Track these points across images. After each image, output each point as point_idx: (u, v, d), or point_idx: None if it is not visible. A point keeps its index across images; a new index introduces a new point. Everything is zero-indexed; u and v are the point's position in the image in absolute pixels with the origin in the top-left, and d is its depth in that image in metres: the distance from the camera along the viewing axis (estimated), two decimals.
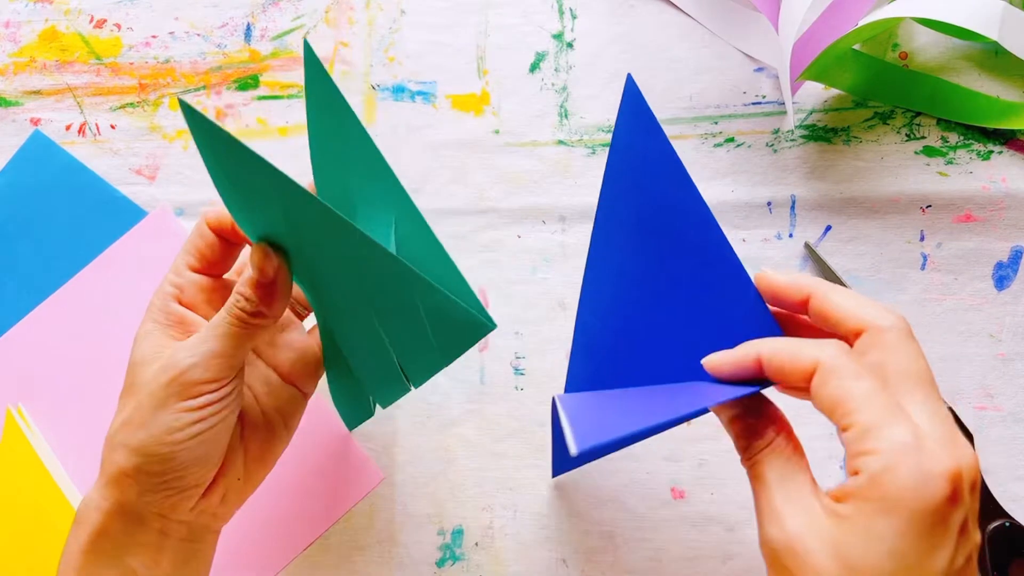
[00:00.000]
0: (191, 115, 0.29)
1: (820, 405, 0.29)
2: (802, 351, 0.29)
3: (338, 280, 0.36)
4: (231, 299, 0.35)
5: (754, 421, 0.31)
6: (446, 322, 0.36)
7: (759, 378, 0.32)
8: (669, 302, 0.37)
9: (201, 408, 0.35)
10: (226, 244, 0.38)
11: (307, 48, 0.35)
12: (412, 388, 0.41)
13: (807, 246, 0.48)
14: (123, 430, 0.35)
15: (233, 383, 0.36)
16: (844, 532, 0.27)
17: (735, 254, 0.35)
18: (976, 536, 0.28)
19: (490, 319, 0.37)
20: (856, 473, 0.27)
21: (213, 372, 0.35)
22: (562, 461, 0.44)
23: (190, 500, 0.36)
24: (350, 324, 0.38)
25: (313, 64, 0.36)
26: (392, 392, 0.41)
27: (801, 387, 0.30)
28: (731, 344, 0.33)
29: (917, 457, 0.26)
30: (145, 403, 0.35)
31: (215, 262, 0.38)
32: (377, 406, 0.45)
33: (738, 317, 0.36)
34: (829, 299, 0.31)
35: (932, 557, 0.26)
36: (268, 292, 0.35)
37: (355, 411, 0.44)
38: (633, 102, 0.35)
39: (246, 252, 0.40)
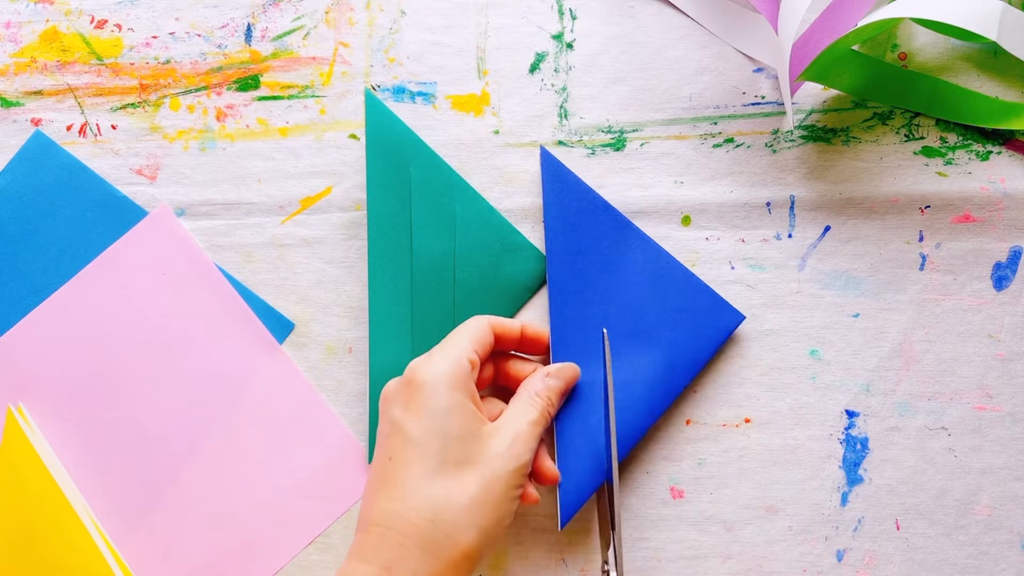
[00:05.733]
0: (371, 101, 0.48)
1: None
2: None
3: (434, 234, 0.47)
4: (543, 402, 0.42)
5: None
6: (516, 257, 0.48)
7: None
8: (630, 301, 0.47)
9: (520, 495, 0.40)
10: (494, 351, 0.44)
11: (368, 94, 0.49)
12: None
13: None
14: (471, 509, 0.37)
15: None
16: None
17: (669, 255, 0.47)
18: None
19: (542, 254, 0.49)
20: None
21: (528, 463, 0.40)
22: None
23: None
24: (428, 279, 0.47)
25: (373, 104, 0.48)
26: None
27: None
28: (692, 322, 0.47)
29: None
30: (496, 487, 0.38)
31: (484, 361, 0.43)
32: None
33: (688, 302, 0.47)
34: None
35: None
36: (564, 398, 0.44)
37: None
38: (551, 167, 0.48)
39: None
